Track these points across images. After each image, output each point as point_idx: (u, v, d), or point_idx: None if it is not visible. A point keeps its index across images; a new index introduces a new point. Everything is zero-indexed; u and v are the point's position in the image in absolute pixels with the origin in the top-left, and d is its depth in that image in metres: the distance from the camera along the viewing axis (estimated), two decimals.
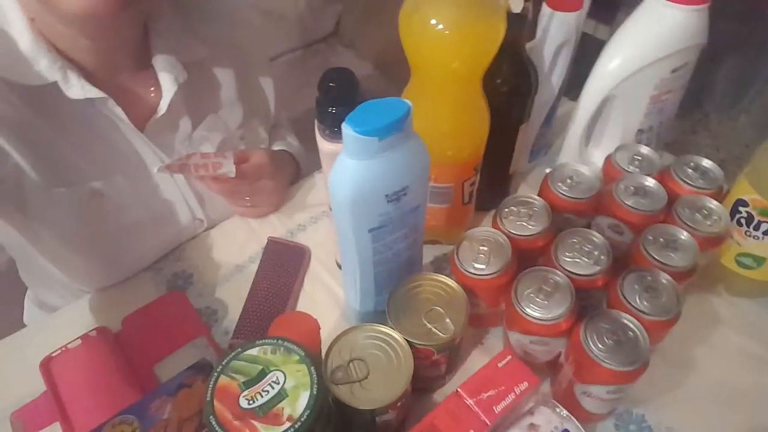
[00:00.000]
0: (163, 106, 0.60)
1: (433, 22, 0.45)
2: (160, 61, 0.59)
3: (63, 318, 0.63)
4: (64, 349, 0.57)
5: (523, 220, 0.54)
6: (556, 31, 0.63)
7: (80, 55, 0.54)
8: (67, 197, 0.57)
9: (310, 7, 1.58)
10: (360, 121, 0.38)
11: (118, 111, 0.56)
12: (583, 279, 0.48)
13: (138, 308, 0.61)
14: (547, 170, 0.68)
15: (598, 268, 0.49)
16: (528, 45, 0.62)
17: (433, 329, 0.46)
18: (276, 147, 0.78)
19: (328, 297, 0.62)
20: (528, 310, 0.46)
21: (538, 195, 0.57)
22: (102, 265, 0.64)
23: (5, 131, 0.50)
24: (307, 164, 0.81)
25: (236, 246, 0.68)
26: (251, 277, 0.63)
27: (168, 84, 0.59)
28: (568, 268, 0.49)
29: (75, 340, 0.58)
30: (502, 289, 0.50)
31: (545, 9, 0.63)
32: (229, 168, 0.61)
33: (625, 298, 0.46)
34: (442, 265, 0.65)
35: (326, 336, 0.47)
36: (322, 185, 0.75)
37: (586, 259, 0.49)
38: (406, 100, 0.40)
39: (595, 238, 0.51)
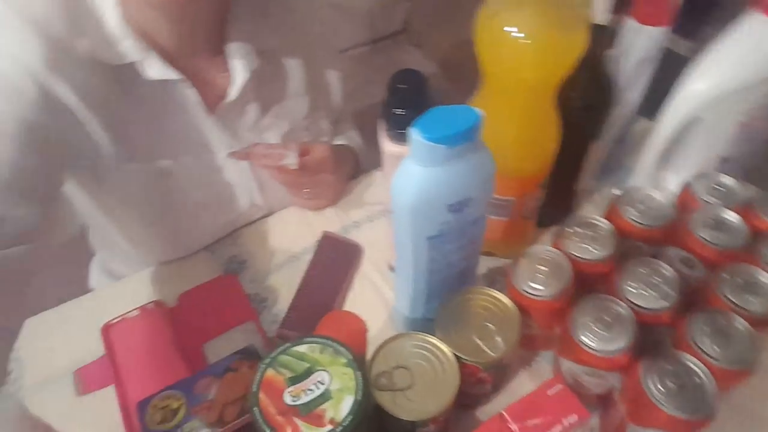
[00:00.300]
0: (233, 92, 0.61)
1: (512, 28, 0.43)
2: (234, 48, 0.61)
3: (124, 287, 0.66)
4: (123, 317, 0.60)
5: (586, 242, 0.52)
6: (639, 45, 0.60)
7: (161, 38, 0.56)
8: (137, 173, 0.60)
9: (380, 4, 1.58)
10: (429, 128, 0.37)
11: (191, 93, 0.58)
12: (648, 313, 0.45)
13: (193, 287, 0.63)
14: (617, 192, 0.66)
15: (665, 303, 0.46)
16: (608, 57, 0.59)
17: (482, 346, 0.45)
18: (338, 141, 0.79)
19: (377, 298, 0.62)
20: (584, 339, 0.44)
21: (605, 217, 0.55)
22: (164, 240, 0.67)
23: (89, 106, 0.52)
24: (367, 161, 0.81)
25: (291, 236, 0.69)
26: (303, 268, 0.64)
27: (240, 70, 0.61)
28: (632, 300, 0.46)
29: (133, 310, 0.60)
30: (558, 312, 0.48)
31: (630, 21, 0.60)
32: (291, 160, 0.62)
33: (693, 339, 0.43)
34: (495, 278, 0.63)
35: (371, 338, 0.46)
36: (380, 184, 0.75)
37: (652, 292, 0.46)
38: (478, 110, 0.39)
39: (664, 271, 0.48)
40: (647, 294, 0.46)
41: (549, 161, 0.55)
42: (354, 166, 0.79)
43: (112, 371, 0.55)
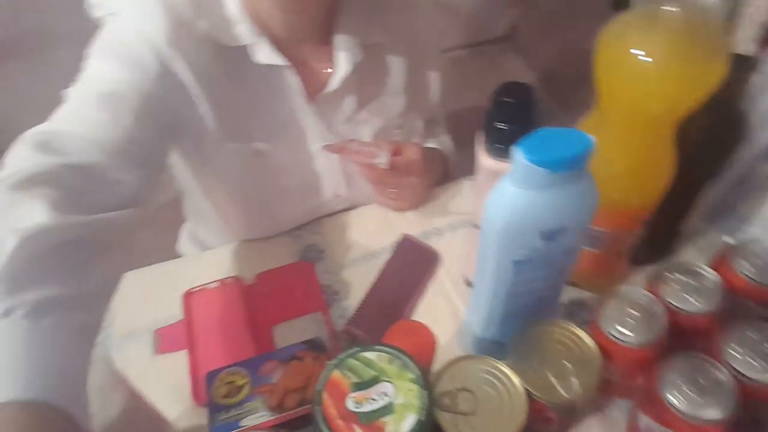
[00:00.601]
0: (334, 83, 0.62)
1: (640, 51, 0.40)
2: (340, 40, 0.62)
3: (208, 258, 0.69)
4: (203, 287, 0.63)
5: (688, 292, 0.47)
6: None
7: (272, 25, 0.58)
8: (236, 152, 0.62)
9: (487, 7, 1.54)
10: (534, 149, 0.35)
11: (295, 80, 0.60)
12: (754, 385, 0.41)
13: (272, 268, 0.65)
14: (729, 240, 0.59)
15: None
16: (743, 91, 0.54)
17: (556, 384, 0.43)
18: (430, 144, 0.78)
19: (448, 310, 0.60)
20: (672, 400, 0.40)
21: (712, 267, 0.50)
22: (251, 218, 0.70)
23: (201, 82, 0.55)
24: (456, 167, 0.80)
25: (371, 233, 0.69)
26: (378, 267, 0.64)
27: (343, 62, 0.62)
28: (736, 366, 0.41)
29: (214, 282, 0.63)
30: (645, 363, 0.44)
31: None
32: (383, 159, 0.62)
33: None
34: (575, 311, 0.60)
35: (437, 351, 0.45)
36: (468, 194, 0.73)
37: (762, 362, 0.41)
38: (591, 136, 0.36)
39: None
40: (755, 363, 0.41)
41: (656, 197, 0.50)
42: (442, 172, 0.77)
43: (187, 337, 0.58)
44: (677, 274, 0.49)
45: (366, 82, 0.66)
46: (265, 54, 0.57)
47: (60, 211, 0.38)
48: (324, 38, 0.63)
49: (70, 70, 0.51)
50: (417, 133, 0.76)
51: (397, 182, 0.67)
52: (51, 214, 0.37)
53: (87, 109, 0.47)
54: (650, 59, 0.40)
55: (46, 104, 0.49)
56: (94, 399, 0.38)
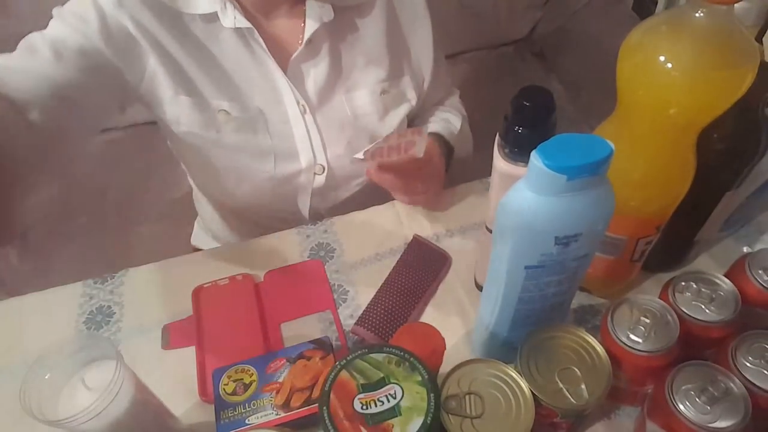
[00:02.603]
0: (303, 41, 0.63)
1: (663, 58, 0.39)
2: (311, 2, 0.63)
3: (219, 255, 0.69)
4: (213, 283, 0.63)
5: (702, 301, 0.47)
6: None
7: None
8: (192, 106, 0.64)
9: (508, 10, 1.53)
10: (552, 155, 0.35)
11: (261, 41, 0.62)
12: (767, 396, 0.40)
13: (282, 266, 0.65)
14: (746, 250, 0.59)
15: None
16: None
17: (565, 391, 0.42)
18: (435, 127, 0.76)
19: (458, 313, 0.60)
20: (682, 408, 0.39)
21: (727, 276, 0.49)
22: (227, 185, 0.72)
23: (145, 38, 0.60)
24: (470, 169, 0.79)
25: (382, 234, 0.69)
26: (389, 268, 0.64)
27: (312, 20, 0.63)
28: (749, 377, 0.41)
29: (224, 278, 0.63)
30: (656, 371, 0.44)
31: None
32: (420, 147, 0.57)
33: None
34: (585, 317, 0.59)
35: (445, 353, 0.45)
36: (480, 196, 0.72)
37: None
38: (610, 143, 0.36)
39: None
40: None
41: (673, 205, 0.50)
42: (446, 154, 0.74)
43: (197, 333, 0.58)
44: (691, 283, 0.48)
45: (341, 46, 0.67)
46: (230, 19, 0.59)
47: None
48: (298, 6, 0.64)
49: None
50: (405, 100, 0.74)
51: (423, 173, 0.65)
52: None
53: (26, 55, 0.54)
54: (675, 66, 0.39)
55: None
56: (102, 392, 0.39)
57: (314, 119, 0.69)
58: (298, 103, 0.66)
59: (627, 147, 0.44)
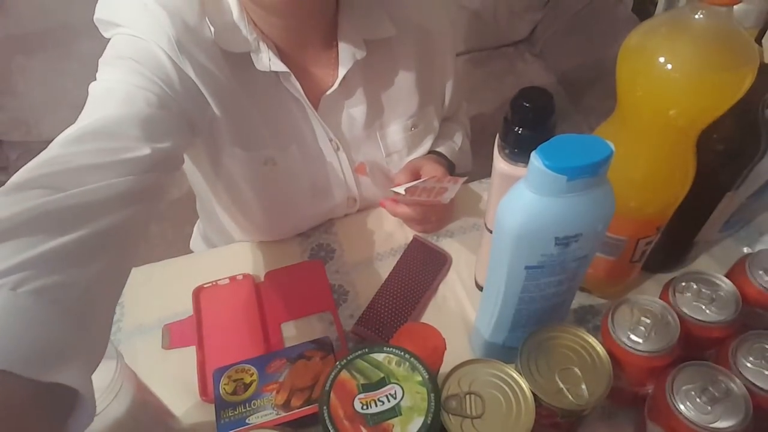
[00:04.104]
0: (336, 82, 0.61)
1: (663, 59, 0.39)
2: (342, 37, 0.60)
3: (220, 255, 0.70)
4: (214, 283, 0.63)
5: (702, 301, 0.47)
6: None
7: (272, 32, 0.57)
8: (246, 159, 0.61)
9: (509, 10, 1.53)
10: (552, 155, 0.35)
11: (297, 85, 0.59)
12: (767, 396, 0.40)
13: (282, 267, 0.65)
14: (746, 251, 0.59)
15: None
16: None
17: (565, 391, 0.42)
18: (440, 146, 0.76)
19: (458, 313, 0.60)
20: (683, 409, 0.39)
21: (727, 276, 0.49)
22: (262, 223, 0.69)
23: (208, 84, 0.55)
24: (472, 168, 0.79)
25: (382, 235, 0.69)
26: (389, 268, 0.64)
27: (345, 59, 0.60)
28: (749, 377, 0.41)
29: (224, 278, 0.63)
30: (656, 371, 0.44)
31: None
32: (449, 195, 0.58)
33: None
34: (586, 317, 0.59)
35: (445, 354, 0.45)
36: (480, 196, 0.72)
37: None
38: (610, 143, 0.36)
39: None
40: None
41: (673, 206, 0.50)
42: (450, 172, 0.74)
43: (197, 333, 0.58)
44: (692, 283, 0.48)
45: (374, 80, 0.65)
46: (264, 61, 0.56)
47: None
48: (331, 40, 0.61)
49: (92, 62, 0.52)
50: (432, 131, 0.73)
51: (439, 207, 0.65)
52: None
53: (109, 108, 0.47)
54: (675, 67, 0.39)
55: (71, 95, 0.49)
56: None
57: (348, 157, 0.67)
58: (331, 140, 0.65)
59: (627, 148, 0.44)
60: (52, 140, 0.42)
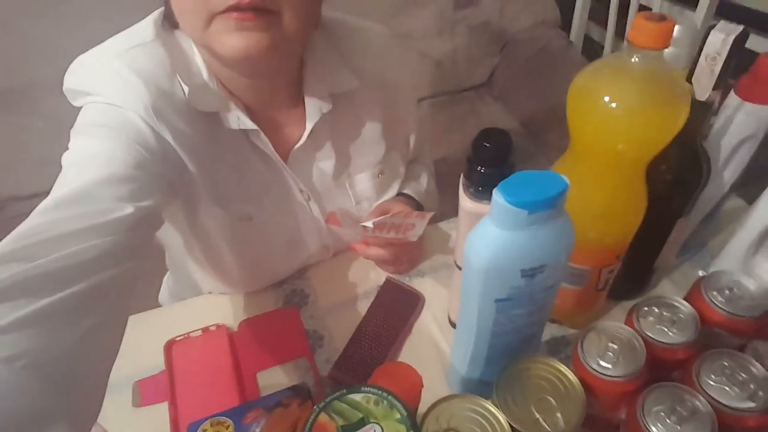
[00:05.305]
0: (303, 136, 0.62)
1: (607, 99, 0.43)
2: (309, 92, 0.61)
3: (192, 306, 0.69)
4: (186, 336, 0.62)
5: (664, 324, 0.49)
6: (741, 123, 0.57)
7: (240, 91, 0.58)
8: (223, 217, 0.61)
9: (467, 56, 1.61)
10: (512, 191, 0.37)
11: (266, 141, 0.60)
12: (730, 413, 0.41)
13: (255, 315, 0.65)
14: (701, 273, 0.62)
15: (751, 404, 0.42)
16: (705, 133, 0.57)
17: (541, 421, 0.43)
18: (407, 188, 0.78)
19: (433, 351, 0.60)
20: (654, 430, 0.41)
21: (686, 299, 0.51)
22: (236, 279, 0.68)
23: (184, 146, 0.55)
24: (438, 210, 0.81)
25: (355, 277, 0.70)
26: (363, 311, 0.64)
27: (312, 113, 0.61)
28: (713, 395, 0.42)
29: (196, 330, 0.63)
30: (627, 396, 0.45)
31: (733, 98, 0.57)
32: (417, 231, 0.59)
33: None
34: (558, 348, 0.61)
35: (423, 392, 0.45)
36: (448, 235, 0.74)
37: (737, 390, 0.42)
38: (564, 177, 0.38)
39: (753, 368, 0.44)
40: (730, 391, 0.42)
41: (630, 234, 0.53)
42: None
43: (169, 388, 0.57)
44: (654, 308, 0.50)
45: (341, 131, 0.66)
46: (233, 120, 0.57)
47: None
48: (298, 95, 0.62)
49: (56, 120, 0.51)
50: (398, 176, 0.75)
51: (410, 246, 0.66)
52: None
53: (87, 174, 0.46)
54: (618, 106, 0.42)
55: (35, 152, 0.48)
56: None
57: (319, 206, 0.68)
58: (301, 191, 0.66)
59: (582, 181, 0.47)
60: (14, 198, 0.42)
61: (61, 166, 0.49)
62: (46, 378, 0.32)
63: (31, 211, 0.42)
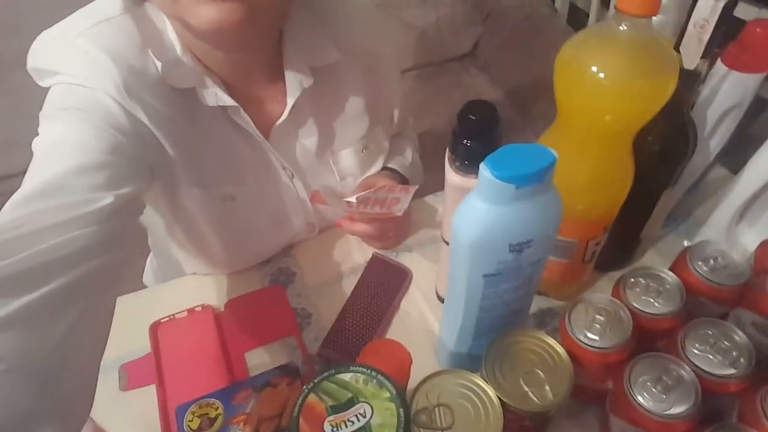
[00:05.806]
0: (285, 112, 0.60)
1: (595, 69, 0.42)
2: (288, 66, 0.59)
3: (176, 288, 0.68)
4: (171, 317, 0.61)
5: (650, 295, 0.49)
6: (728, 92, 0.57)
7: (217, 66, 0.56)
8: (204, 197, 0.60)
9: (451, 26, 1.58)
10: (499, 165, 0.36)
11: (247, 118, 0.58)
12: (713, 380, 0.42)
13: (241, 294, 0.64)
14: (686, 244, 0.62)
15: (733, 371, 0.42)
16: (692, 103, 0.57)
17: (530, 393, 0.43)
18: (391, 162, 0.77)
19: (422, 327, 0.60)
20: (640, 399, 0.41)
21: (671, 270, 0.52)
22: (221, 259, 0.67)
23: (160, 126, 0.53)
24: (424, 184, 0.80)
25: (342, 254, 0.69)
26: (351, 287, 0.64)
27: (293, 88, 0.59)
28: (697, 363, 0.43)
29: (182, 311, 0.62)
30: (614, 366, 0.45)
31: (719, 67, 0.57)
32: (402, 206, 0.58)
33: (764, 415, 0.39)
34: (545, 320, 0.61)
35: (412, 368, 0.45)
36: (434, 210, 0.74)
37: (720, 357, 0.43)
38: (552, 151, 0.38)
39: (735, 336, 0.44)
40: (713, 359, 0.43)
41: (617, 206, 0.52)
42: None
43: (156, 370, 0.56)
44: (641, 279, 0.51)
45: (324, 106, 0.64)
46: (211, 96, 0.55)
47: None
48: (277, 70, 0.60)
49: (23, 96, 0.49)
50: (382, 151, 0.74)
51: (395, 221, 0.65)
52: None
53: (59, 163, 0.44)
54: (606, 76, 0.41)
55: (4, 132, 0.46)
56: None
57: (303, 183, 0.67)
58: (285, 169, 0.64)
59: (569, 154, 0.46)
60: None
61: (29, 148, 0.47)
62: (32, 379, 0.32)
63: None
